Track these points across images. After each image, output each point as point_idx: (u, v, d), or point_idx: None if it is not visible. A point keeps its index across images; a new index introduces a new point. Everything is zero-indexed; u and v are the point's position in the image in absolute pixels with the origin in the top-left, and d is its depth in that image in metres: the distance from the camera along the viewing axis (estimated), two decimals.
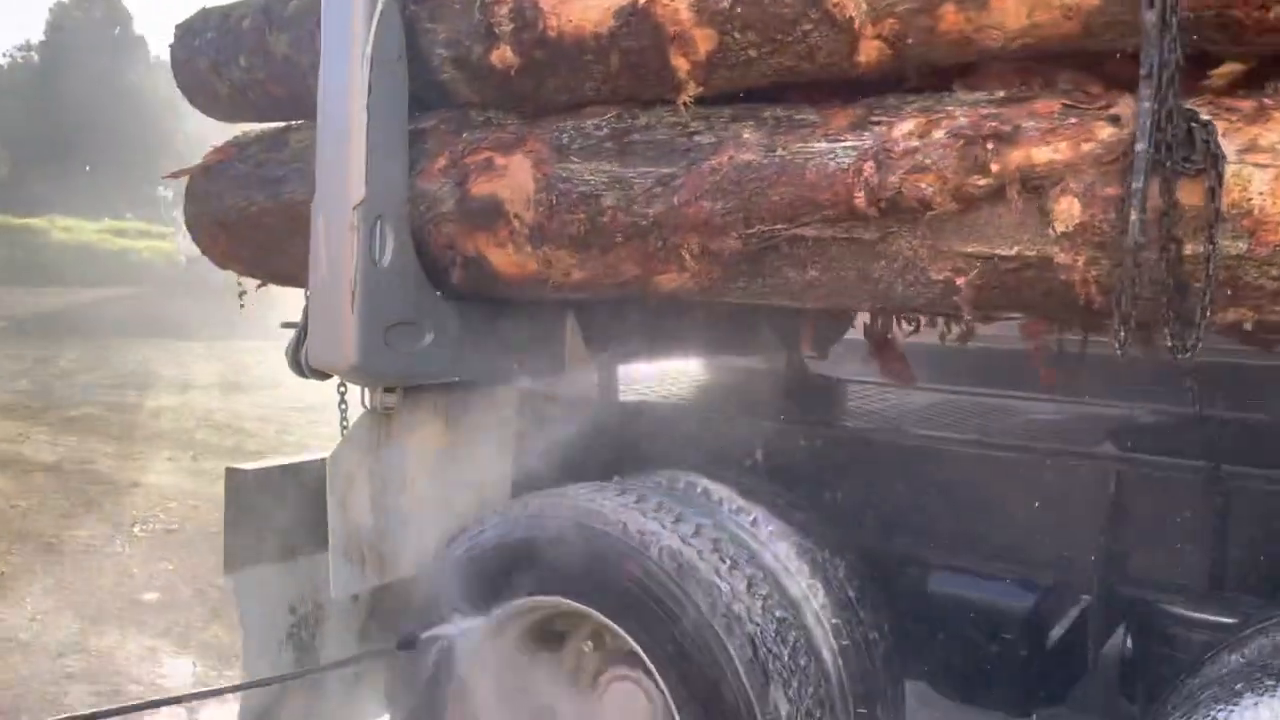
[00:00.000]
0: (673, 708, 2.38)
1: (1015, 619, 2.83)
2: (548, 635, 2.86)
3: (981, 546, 2.81)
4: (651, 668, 2.40)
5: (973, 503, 2.83)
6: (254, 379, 13.55)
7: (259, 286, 3.73)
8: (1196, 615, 2.53)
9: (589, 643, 2.81)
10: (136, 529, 6.62)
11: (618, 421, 3.41)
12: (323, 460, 3.20)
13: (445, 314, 3.03)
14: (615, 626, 2.44)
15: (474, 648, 2.69)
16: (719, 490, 2.72)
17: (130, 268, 22.16)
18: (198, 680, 4.29)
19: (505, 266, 2.80)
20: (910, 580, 2.85)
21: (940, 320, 3.36)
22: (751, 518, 2.65)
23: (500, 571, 2.60)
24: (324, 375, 3.00)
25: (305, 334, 2.98)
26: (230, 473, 3.10)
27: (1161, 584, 2.62)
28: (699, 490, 2.71)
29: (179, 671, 4.37)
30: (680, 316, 3.71)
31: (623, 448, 3.35)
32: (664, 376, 4.13)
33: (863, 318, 3.93)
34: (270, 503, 3.14)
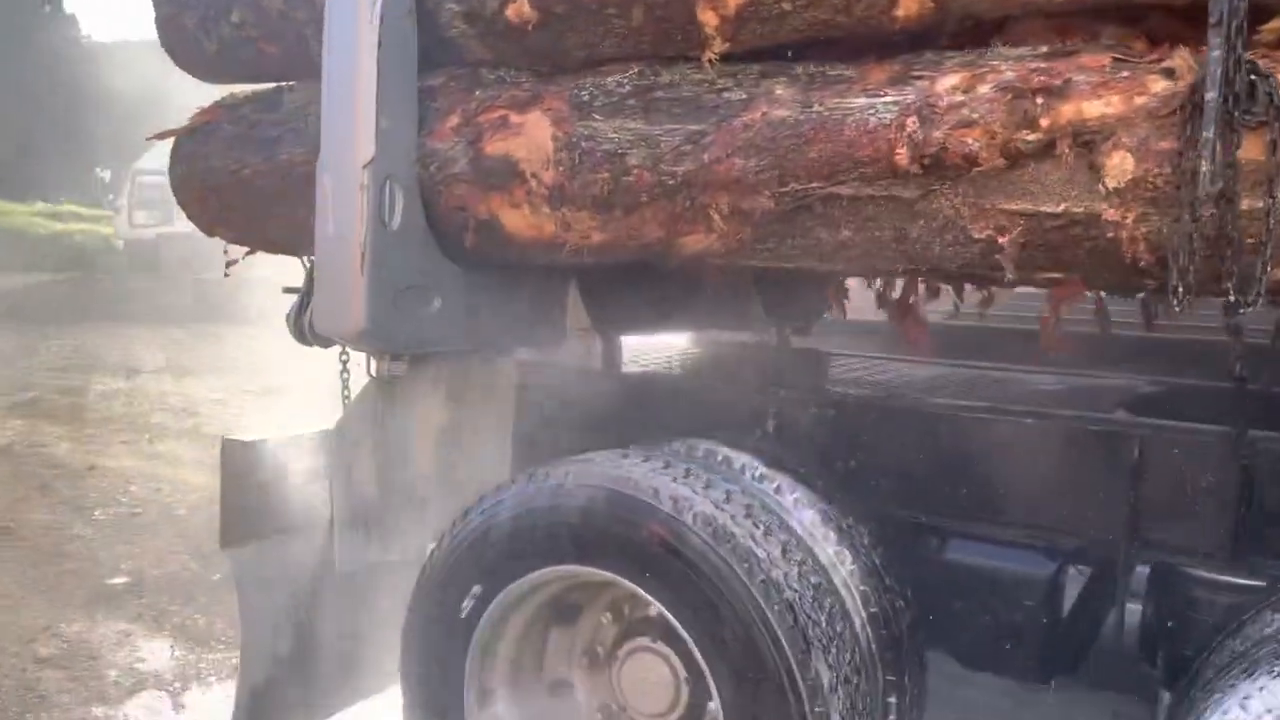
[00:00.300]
0: (709, 678, 2.32)
1: (1035, 587, 2.82)
2: (564, 609, 2.79)
3: (1002, 515, 2.79)
4: (685, 636, 2.34)
5: (992, 471, 2.81)
6: (204, 362, 13.22)
7: (246, 254, 3.59)
8: (1222, 579, 2.53)
9: (608, 614, 2.74)
10: (98, 513, 6.40)
11: (621, 392, 3.33)
12: (321, 433, 3.10)
13: (454, 280, 2.94)
14: (648, 596, 2.38)
15: (492, 620, 2.61)
16: (739, 458, 2.67)
17: (66, 252, 21.50)
18: (177, 663, 4.15)
19: (520, 229, 2.71)
20: (929, 550, 2.82)
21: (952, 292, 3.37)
22: (775, 485, 2.60)
23: (522, 542, 2.52)
24: (327, 342, 2.89)
25: (308, 299, 2.86)
26: (226, 445, 2.98)
27: (1184, 549, 2.62)
28: (719, 458, 2.65)
29: (156, 654, 4.23)
30: (677, 290, 3.67)
31: (627, 419, 3.28)
32: (664, 350, 4.07)
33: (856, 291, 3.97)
34: (268, 476, 3.03)
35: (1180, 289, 1.95)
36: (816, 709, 2.19)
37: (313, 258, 2.83)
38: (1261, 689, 1.78)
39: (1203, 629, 2.56)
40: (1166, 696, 3.03)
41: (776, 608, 2.23)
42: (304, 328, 2.87)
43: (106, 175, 23.98)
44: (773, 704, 2.20)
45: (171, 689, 3.92)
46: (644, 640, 2.67)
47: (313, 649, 3.28)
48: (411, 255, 2.78)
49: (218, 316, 14.79)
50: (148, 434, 9.04)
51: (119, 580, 5.18)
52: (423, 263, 2.82)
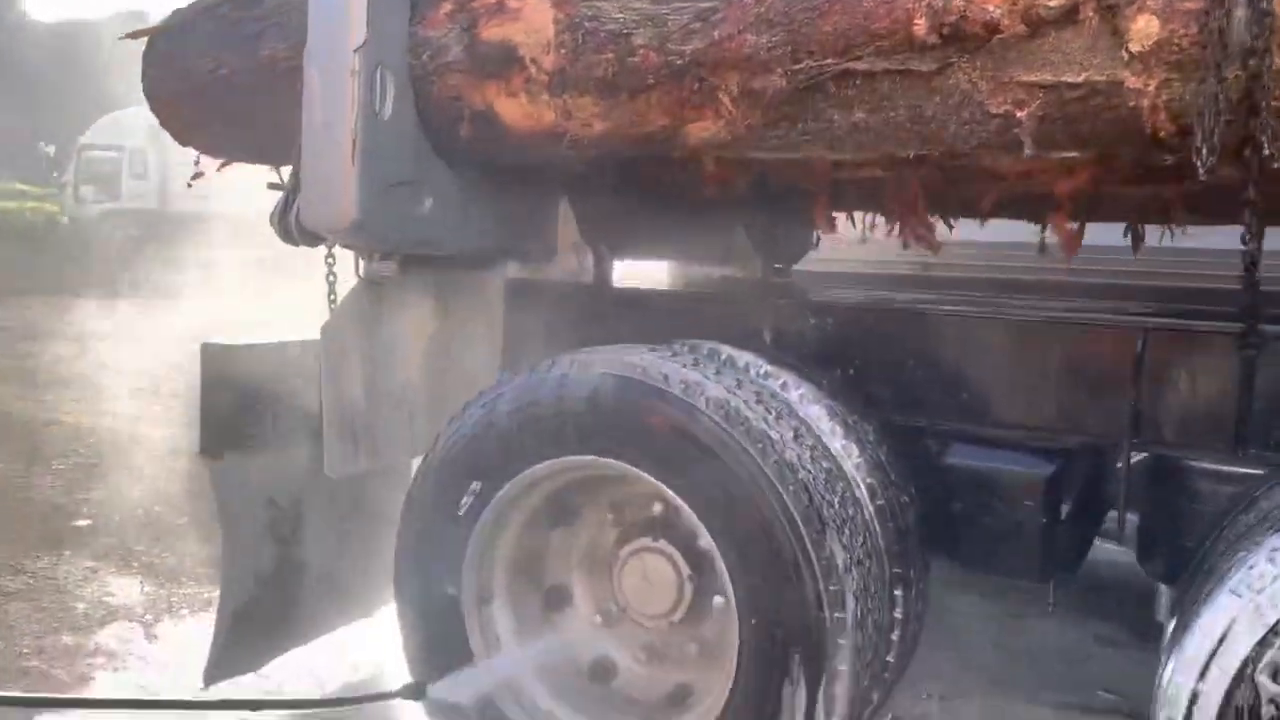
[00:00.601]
0: (720, 564, 2.28)
1: (1034, 487, 2.81)
2: (563, 511, 2.73)
3: (1001, 415, 2.77)
4: (697, 523, 2.29)
5: (991, 371, 2.79)
6: (151, 331, 12.88)
7: (220, 167, 3.47)
8: (1225, 469, 2.54)
9: (609, 515, 2.68)
10: (56, 463, 6.21)
11: (614, 306, 3.26)
12: (305, 342, 3.00)
13: (446, 180, 2.86)
14: (658, 484, 2.32)
15: (491, 518, 2.54)
16: (742, 356, 2.62)
17: (9, 228, 20.91)
18: (147, 598, 4.02)
19: (518, 119, 2.62)
20: (930, 454, 2.80)
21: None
22: (780, 381, 2.55)
23: (524, 434, 2.44)
24: (315, 239, 2.79)
25: (293, 196, 2.76)
26: (206, 349, 2.86)
27: (1186, 443, 2.62)
28: (724, 356, 2.60)
29: (125, 589, 4.09)
30: (668, 210, 3.62)
31: (620, 335, 3.22)
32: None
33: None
34: (249, 384, 2.92)
35: (1205, 151, 1.92)
36: (832, 587, 2.16)
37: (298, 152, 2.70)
38: None
39: (1205, 520, 2.57)
40: (1164, 593, 3.06)
41: (791, 488, 2.19)
42: (290, 226, 2.76)
43: (51, 150, 23.29)
44: (789, 584, 2.16)
45: (143, 620, 3.79)
46: (646, 540, 2.61)
47: (297, 567, 3.18)
48: (403, 148, 2.69)
49: (163, 292, 14.41)
50: (103, 394, 8.79)
51: (82, 522, 5.02)
52: (414, 157, 2.73)
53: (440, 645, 2.62)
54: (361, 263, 2.85)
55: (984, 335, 2.80)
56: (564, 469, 2.47)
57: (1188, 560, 2.50)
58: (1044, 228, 3.87)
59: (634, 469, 2.34)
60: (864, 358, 2.87)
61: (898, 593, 2.46)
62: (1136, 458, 2.68)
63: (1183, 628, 1.89)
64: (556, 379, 2.43)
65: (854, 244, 4.27)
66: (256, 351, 2.97)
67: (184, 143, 3.35)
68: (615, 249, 3.66)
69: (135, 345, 11.62)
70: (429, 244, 2.88)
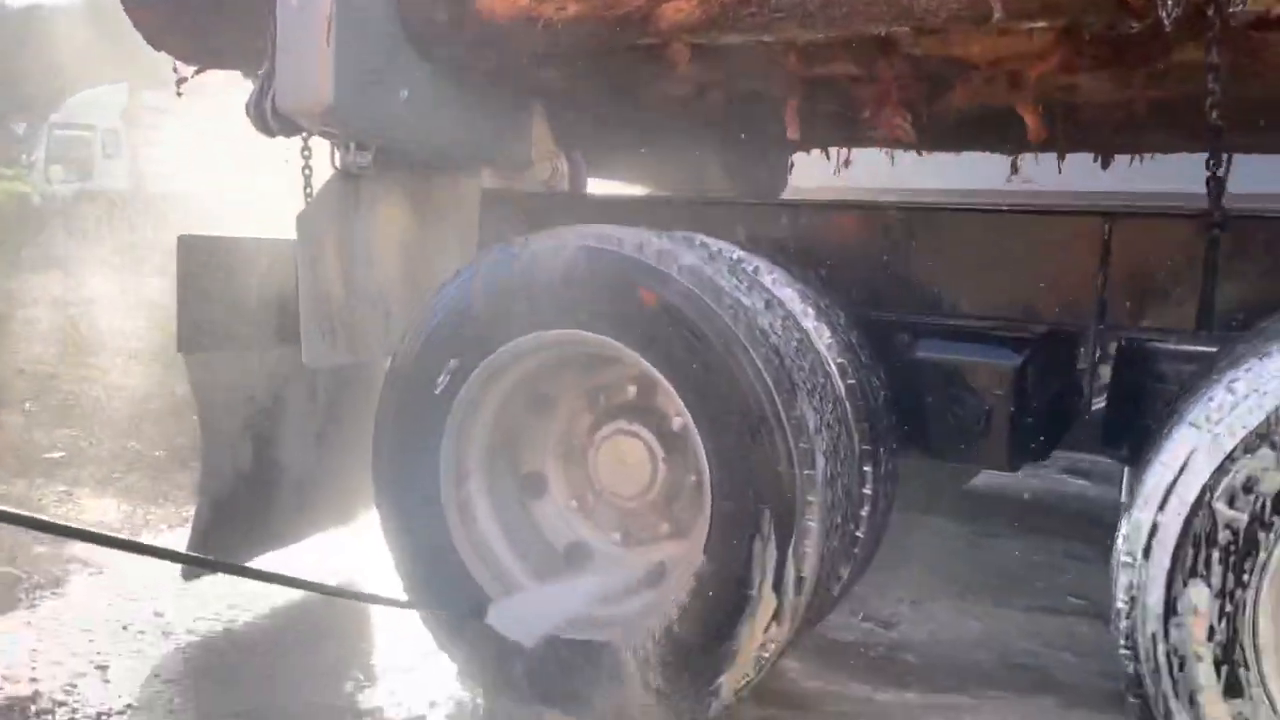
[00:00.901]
0: (693, 430, 2.30)
1: (1003, 376, 2.85)
2: (539, 399, 2.75)
3: (969, 306, 2.81)
4: (671, 391, 2.31)
5: (959, 263, 2.83)
6: (124, 295, 12.77)
7: (195, 74, 3.45)
8: (1190, 349, 2.59)
9: (584, 401, 2.71)
10: (29, 404, 6.17)
11: (587, 212, 3.28)
12: (284, 241, 3.00)
13: (421, 73, 2.86)
14: (630, 350, 2.34)
15: (468, 396, 2.56)
16: (716, 243, 2.64)
17: None
18: (124, 516, 4.02)
19: (493, 4, 2.63)
20: (900, 343, 2.83)
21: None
22: (753, 266, 2.58)
23: (501, 308, 2.46)
24: (291, 128, 2.79)
25: (268, 83, 2.75)
26: (183, 241, 2.86)
27: (1150, 327, 2.67)
28: (697, 241, 2.62)
29: (102, 509, 4.09)
30: (642, 121, 3.63)
31: None
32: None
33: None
34: (227, 278, 2.92)
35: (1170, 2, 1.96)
36: (802, 445, 2.19)
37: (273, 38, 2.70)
38: (1248, 370, 1.82)
39: (1168, 400, 2.62)
40: (1127, 473, 3.11)
41: (763, 350, 2.22)
42: (266, 114, 2.75)
43: (21, 129, 22.96)
44: (759, 441, 2.19)
45: (120, 533, 3.79)
46: (620, 424, 2.64)
47: (276, 467, 3.19)
48: (378, 33, 2.69)
49: (136, 267, 14.27)
50: (76, 347, 8.74)
51: (57, 454, 5.00)
52: (389, 45, 2.73)
53: (417, 524, 2.64)
54: (338, 154, 2.85)
55: (951, 228, 2.84)
56: (539, 345, 2.48)
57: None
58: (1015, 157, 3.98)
59: (608, 339, 2.36)
60: (834, 253, 2.91)
61: (867, 469, 2.50)
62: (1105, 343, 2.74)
63: (1142, 468, 1.94)
64: (531, 254, 2.44)
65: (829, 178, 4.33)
66: (235, 245, 2.96)
67: (157, 46, 3.32)
68: (590, 159, 3.69)
69: (108, 313, 11.54)
70: (404, 137, 2.88)
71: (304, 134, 2.87)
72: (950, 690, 2.78)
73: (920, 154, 4.06)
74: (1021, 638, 3.17)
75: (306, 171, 2.93)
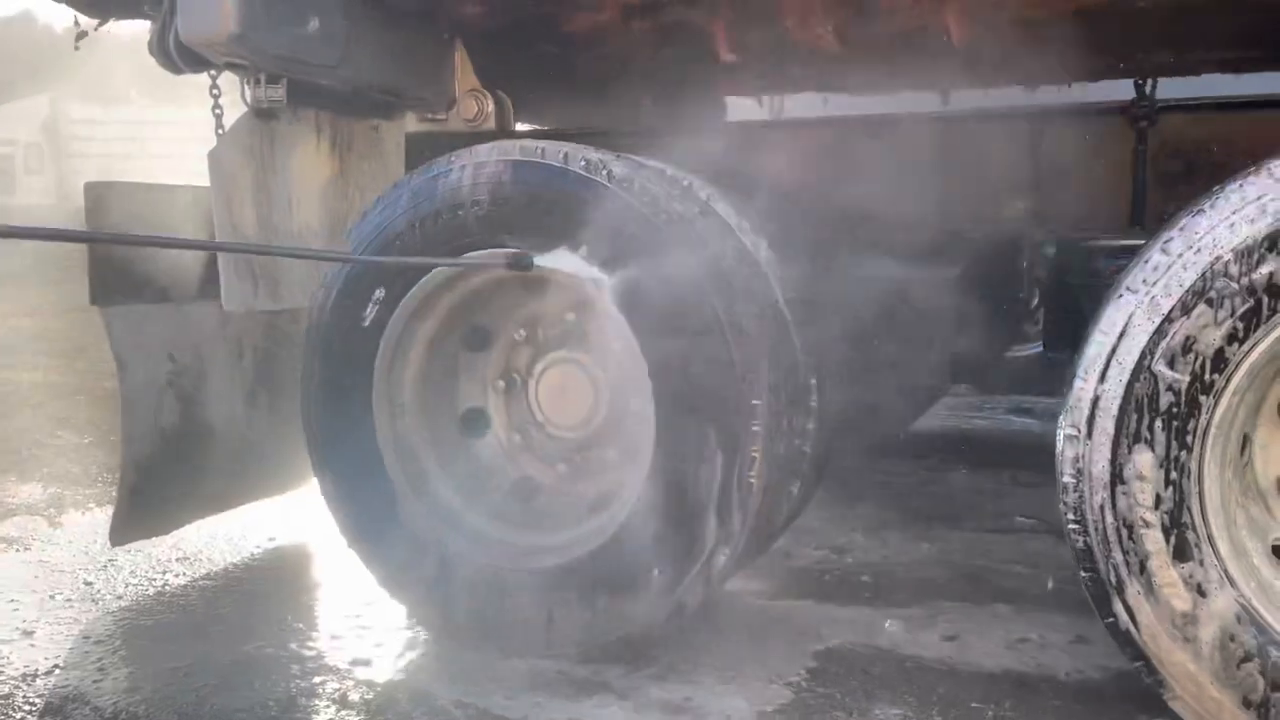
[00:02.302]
0: (636, 347, 2.24)
1: (942, 287, 2.84)
2: (474, 334, 2.67)
3: (904, 216, 2.78)
4: (611, 309, 2.24)
5: (891, 173, 2.79)
6: (46, 306, 12.42)
7: (98, 27, 3.30)
8: (1123, 243, 2.59)
9: (521, 332, 2.63)
10: None
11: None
12: (202, 187, 2.88)
13: (332, 0, 2.76)
14: (563, 268, 2.27)
15: (399, 331, 2.47)
16: (649, 161, 2.57)
17: None
18: (50, 497, 3.85)
19: None
20: (840, 261, 2.80)
21: None
22: (687, 181, 2.52)
23: (426, 231, 2.38)
24: (196, 62, 2.67)
25: (170, 17, 2.63)
26: (90, 187, 2.73)
27: (1086, 226, 2.67)
28: (628, 158, 2.56)
29: (26, 492, 3.89)
30: (567, 54, 3.54)
31: None
32: None
33: None
34: (141, 226, 2.80)
35: None
36: (744, 350, 2.14)
37: None
38: (1182, 229, 1.80)
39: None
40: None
41: (701, 254, 2.17)
42: (169, 48, 2.64)
43: None
44: (703, 349, 2.14)
45: (47, 514, 3.64)
46: (561, 353, 2.58)
47: (202, 428, 3.07)
48: None
49: (58, 278, 13.83)
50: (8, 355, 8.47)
51: None
52: None
53: (353, 464, 2.55)
54: (249, 91, 2.74)
55: (881, 137, 2.81)
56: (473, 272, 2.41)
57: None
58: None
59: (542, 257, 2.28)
60: (771, 169, 2.86)
61: (812, 382, 2.46)
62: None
63: (1082, 341, 1.91)
64: (455, 171, 2.36)
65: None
66: (148, 191, 2.84)
67: None
68: (516, 101, 3.60)
69: (29, 319, 11.19)
70: (318, 71, 2.77)
71: (212, 71, 2.75)
72: (906, 605, 2.76)
73: (851, 95, 4.04)
74: (972, 556, 3.17)
75: (217, 111, 2.80)
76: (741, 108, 4.34)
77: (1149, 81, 2.61)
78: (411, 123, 3.35)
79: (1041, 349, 2.96)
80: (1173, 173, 2.58)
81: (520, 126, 3.76)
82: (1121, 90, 3.08)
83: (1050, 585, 2.89)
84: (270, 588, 2.95)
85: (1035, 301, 2.95)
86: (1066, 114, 2.70)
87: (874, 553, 3.19)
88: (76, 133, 18.55)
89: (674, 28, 3.28)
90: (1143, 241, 2.52)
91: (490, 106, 3.36)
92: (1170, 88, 2.76)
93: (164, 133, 17.95)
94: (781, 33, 3.22)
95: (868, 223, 2.81)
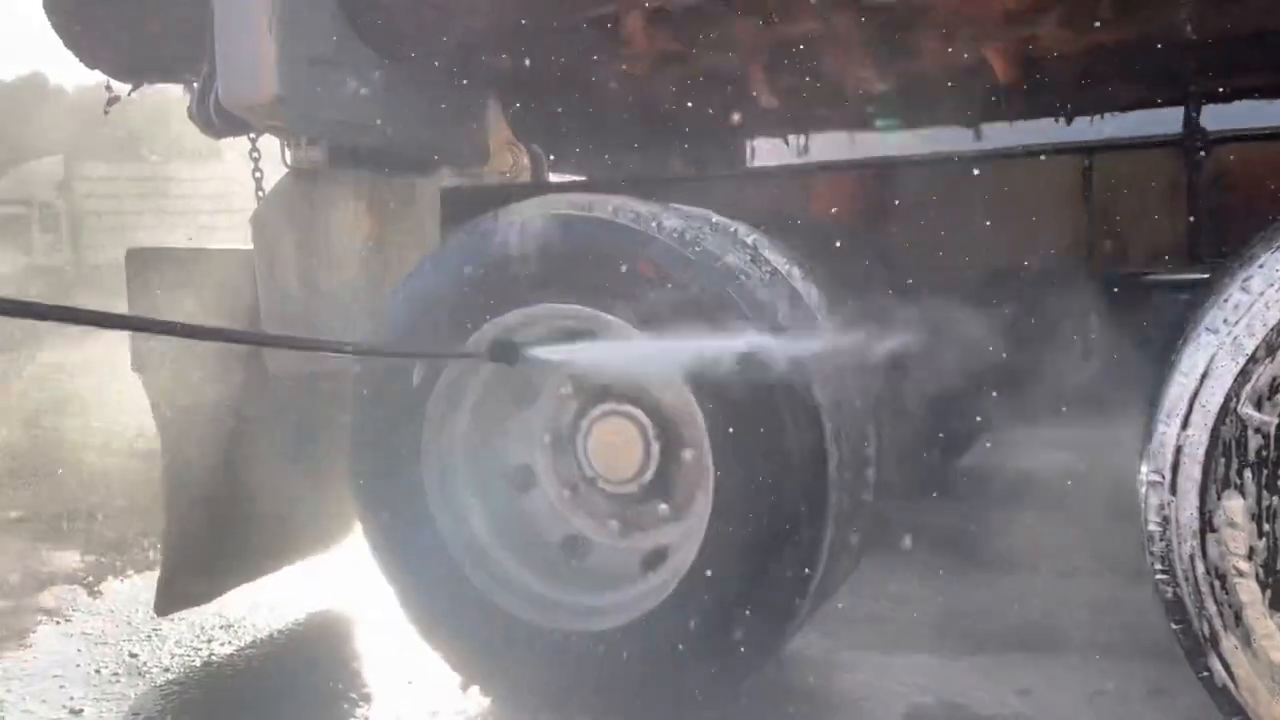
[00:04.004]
0: (691, 399, 2.19)
1: (996, 326, 2.78)
2: (521, 389, 2.63)
3: (955, 257, 2.73)
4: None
5: (940, 213, 2.75)
6: (68, 366, 12.47)
7: (130, 92, 3.32)
8: (1183, 278, 2.54)
9: (567, 387, 2.59)
10: None
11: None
12: (239, 250, 2.87)
13: (368, 62, 2.77)
14: (614, 319, 2.22)
15: (447, 391, 2.43)
16: (691, 209, 2.54)
17: None
18: (88, 565, 3.81)
19: None
20: (884, 304, 2.75)
21: None
22: (733, 228, 2.48)
23: (475, 290, 2.35)
24: (236, 126, 2.67)
25: (210, 83, 2.63)
26: (131, 254, 2.72)
27: (1141, 261, 2.61)
28: (670, 208, 2.53)
29: (64, 560, 3.85)
30: (599, 105, 3.54)
31: None
32: None
33: None
34: (180, 290, 2.78)
35: None
36: (808, 402, 2.09)
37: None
38: (1262, 266, 1.74)
39: (1169, 331, 2.56)
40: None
41: (757, 302, 2.12)
42: (209, 113, 2.64)
43: None
44: (765, 400, 2.09)
45: (85, 582, 3.60)
46: (609, 405, 2.53)
47: (244, 495, 3.03)
48: (320, 20, 2.59)
49: (79, 339, 13.90)
50: (27, 415, 8.48)
51: (13, 514, 4.78)
52: (333, 31, 2.63)
53: (403, 527, 2.50)
54: (289, 153, 2.73)
55: (928, 178, 2.77)
56: (525, 322, 2.36)
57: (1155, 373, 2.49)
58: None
59: (589, 310, 2.24)
60: (815, 214, 2.83)
61: (869, 429, 2.41)
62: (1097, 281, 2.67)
63: (1161, 383, 1.85)
64: (501, 229, 2.33)
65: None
66: (187, 256, 2.83)
67: (90, 64, 3.19)
68: (549, 152, 3.59)
69: (53, 381, 11.25)
70: (356, 130, 2.77)
71: (251, 134, 2.75)
72: (973, 654, 2.67)
73: (880, 130, 4.01)
74: (1034, 602, 3.08)
75: (257, 174, 2.80)
76: (772, 150, 4.33)
77: (1198, 111, 2.57)
78: (446, 177, 3.34)
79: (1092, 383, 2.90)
80: (1228, 205, 2.53)
81: (553, 178, 3.76)
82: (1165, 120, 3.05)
83: (1119, 632, 2.80)
84: (318, 655, 2.89)
85: (1090, 337, 2.88)
86: (1115, 148, 2.65)
87: (932, 601, 3.11)
88: (90, 191, 18.77)
89: (708, 74, 3.28)
90: (1204, 276, 2.50)
91: (525, 159, 3.35)
92: (1219, 118, 2.72)
93: (173, 189, 18.21)
94: (820, 75, 3.21)
95: (914, 264, 2.76)
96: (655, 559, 2.53)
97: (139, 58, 3.12)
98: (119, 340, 2.76)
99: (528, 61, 2.98)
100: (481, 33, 2.71)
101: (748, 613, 2.17)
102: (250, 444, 3.04)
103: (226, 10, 2.52)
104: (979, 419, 2.94)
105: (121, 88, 3.31)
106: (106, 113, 3.34)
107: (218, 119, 2.64)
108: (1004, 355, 2.70)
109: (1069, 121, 3.76)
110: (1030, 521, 4.05)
